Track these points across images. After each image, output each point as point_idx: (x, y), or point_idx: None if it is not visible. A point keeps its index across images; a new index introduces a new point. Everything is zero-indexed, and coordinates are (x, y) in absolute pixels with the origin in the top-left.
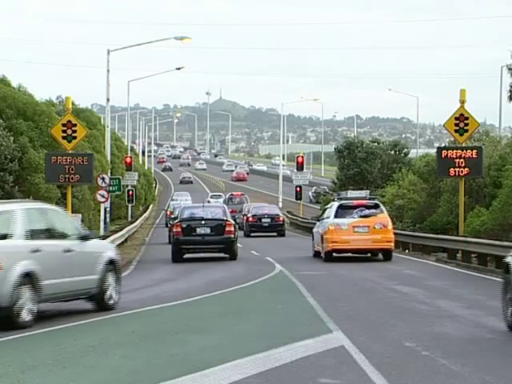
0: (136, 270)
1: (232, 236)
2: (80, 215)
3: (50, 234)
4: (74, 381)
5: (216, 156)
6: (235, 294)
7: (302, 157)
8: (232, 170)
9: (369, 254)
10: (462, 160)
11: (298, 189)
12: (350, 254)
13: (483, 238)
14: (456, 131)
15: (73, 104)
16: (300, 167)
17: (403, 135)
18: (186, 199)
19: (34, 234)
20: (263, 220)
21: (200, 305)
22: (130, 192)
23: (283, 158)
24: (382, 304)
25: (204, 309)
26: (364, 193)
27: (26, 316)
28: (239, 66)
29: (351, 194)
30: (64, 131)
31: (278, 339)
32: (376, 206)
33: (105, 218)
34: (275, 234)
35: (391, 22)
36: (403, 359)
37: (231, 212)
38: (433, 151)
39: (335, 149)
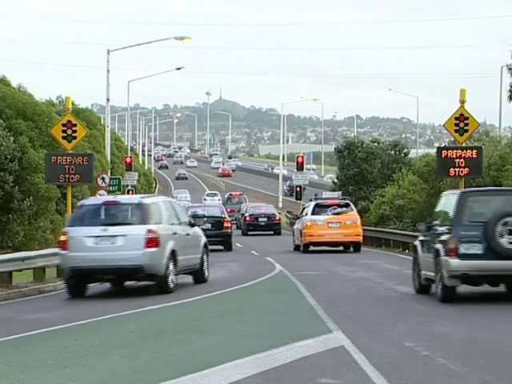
0: None
1: (229, 231)
2: None
3: (177, 220)
4: (73, 381)
5: (230, 158)
6: (235, 294)
7: (302, 157)
8: (219, 167)
9: (341, 247)
10: (461, 160)
11: (298, 189)
12: (325, 248)
13: None
14: (456, 131)
15: (73, 104)
16: (300, 167)
17: (403, 135)
18: (186, 196)
19: (171, 221)
20: (260, 219)
21: (200, 305)
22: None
23: (283, 158)
24: (382, 304)
25: (204, 309)
26: (337, 194)
27: (171, 284)
28: (239, 66)
29: (326, 194)
30: (64, 131)
31: (278, 339)
32: (347, 205)
33: None
34: (271, 232)
35: (391, 22)
36: (403, 359)
37: (230, 211)
38: (433, 151)
39: (335, 149)
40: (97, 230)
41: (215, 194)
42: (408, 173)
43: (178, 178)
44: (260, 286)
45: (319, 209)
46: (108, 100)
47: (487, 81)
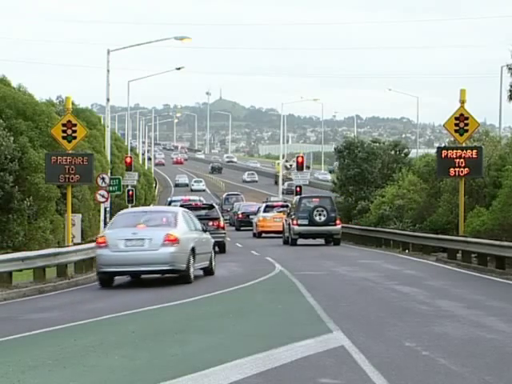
0: None
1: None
2: (80, 215)
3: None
4: (73, 381)
5: (331, 172)
6: (235, 293)
7: (302, 157)
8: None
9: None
10: (462, 160)
11: (298, 189)
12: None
13: (483, 238)
14: (456, 131)
15: (73, 104)
16: (300, 167)
17: (403, 135)
18: (184, 179)
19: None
20: (251, 216)
21: (200, 305)
22: (130, 192)
23: (283, 158)
24: (382, 304)
25: (204, 309)
26: (280, 198)
27: None
28: (239, 66)
29: (273, 199)
30: (64, 131)
31: (278, 339)
32: (287, 206)
33: (105, 218)
34: None
35: (391, 22)
36: (403, 359)
37: (226, 211)
38: (433, 151)
39: (335, 149)
40: None
41: (200, 181)
42: (408, 173)
43: (157, 165)
44: (260, 286)
45: (268, 208)
46: (108, 100)
47: (487, 81)
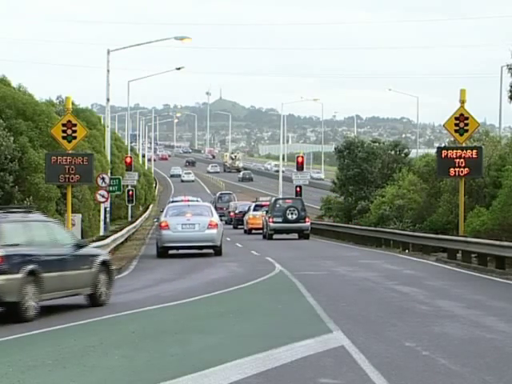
0: (136, 269)
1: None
2: (80, 215)
3: None
4: (74, 381)
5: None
6: (235, 293)
7: (302, 157)
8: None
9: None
10: (462, 160)
11: (298, 189)
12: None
13: (483, 238)
14: (456, 131)
15: (73, 104)
16: (300, 167)
17: (403, 135)
18: (179, 172)
19: None
20: None
21: (200, 305)
22: (130, 192)
23: (283, 158)
24: (382, 304)
25: (204, 309)
26: (268, 198)
27: None
28: (239, 65)
29: (261, 199)
30: (64, 131)
31: (278, 339)
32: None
33: (105, 217)
34: None
35: (391, 22)
36: (403, 359)
37: (220, 209)
38: (433, 151)
39: (335, 149)
40: None
41: (189, 173)
42: (408, 173)
43: (149, 160)
44: (260, 286)
45: (258, 207)
46: (108, 100)
47: (487, 81)
